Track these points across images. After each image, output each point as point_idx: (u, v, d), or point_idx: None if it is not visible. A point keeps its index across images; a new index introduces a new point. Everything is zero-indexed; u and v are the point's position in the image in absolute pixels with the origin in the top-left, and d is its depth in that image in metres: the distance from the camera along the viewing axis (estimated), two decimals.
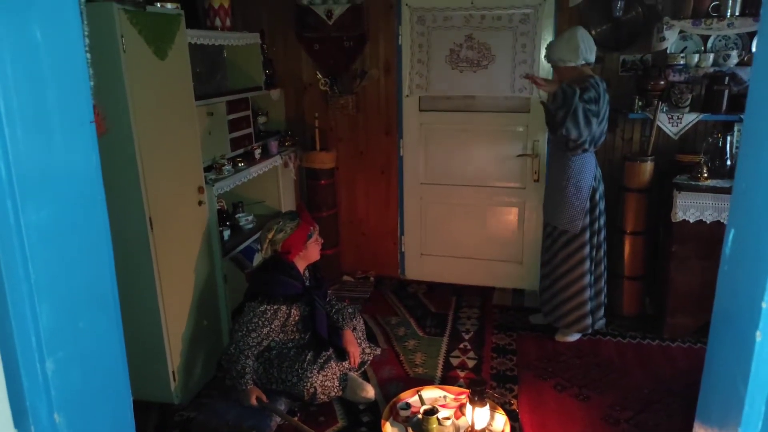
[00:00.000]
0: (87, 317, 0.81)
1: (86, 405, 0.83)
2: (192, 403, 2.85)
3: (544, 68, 3.77)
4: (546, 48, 3.23)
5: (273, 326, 2.75)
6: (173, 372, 2.73)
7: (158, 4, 2.63)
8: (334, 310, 3.05)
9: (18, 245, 0.68)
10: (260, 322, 2.70)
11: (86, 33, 0.86)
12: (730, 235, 0.66)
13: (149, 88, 2.48)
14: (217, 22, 3.32)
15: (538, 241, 4.04)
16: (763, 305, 0.52)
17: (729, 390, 0.60)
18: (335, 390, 2.78)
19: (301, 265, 2.90)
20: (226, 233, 3.27)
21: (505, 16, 3.75)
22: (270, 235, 2.82)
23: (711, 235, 3.21)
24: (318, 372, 2.72)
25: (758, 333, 0.52)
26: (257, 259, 3.45)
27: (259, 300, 2.73)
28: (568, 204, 3.18)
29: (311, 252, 2.92)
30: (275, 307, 2.74)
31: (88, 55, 0.84)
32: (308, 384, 2.68)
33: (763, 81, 0.60)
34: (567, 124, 2.93)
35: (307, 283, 2.93)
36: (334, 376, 2.79)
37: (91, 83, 0.86)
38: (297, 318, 2.85)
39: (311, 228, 2.90)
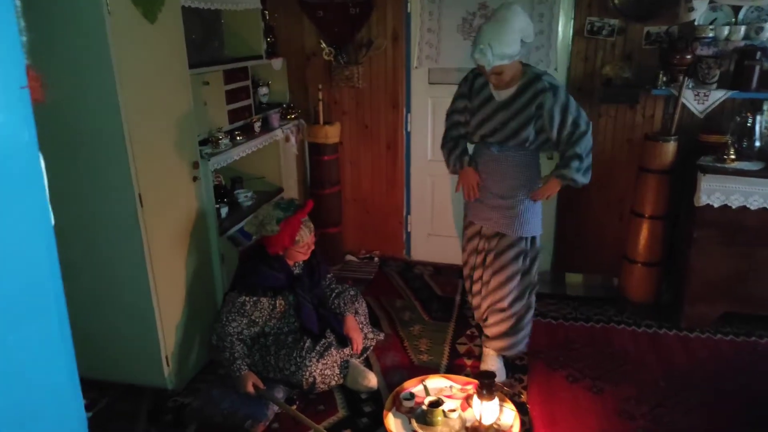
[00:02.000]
0: (20, 330, 0.64)
1: (27, 427, 0.67)
2: (186, 388, 2.73)
3: (563, 40, 3.54)
4: (480, 46, 2.34)
5: (254, 317, 2.63)
6: (166, 357, 2.60)
7: None
8: (334, 293, 2.90)
9: None
10: (240, 312, 2.59)
11: None
12: None
13: (137, 53, 2.29)
14: None
15: (550, 221, 3.87)
16: None
17: None
18: (335, 378, 2.65)
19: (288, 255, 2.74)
20: (224, 210, 3.11)
21: None
22: (257, 222, 2.67)
23: (737, 220, 3.03)
24: (317, 360, 2.58)
25: None
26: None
27: (238, 290, 2.61)
28: (535, 205, 2.70)
29: (294, 254, 2.73)
30: (254, 299, 2.61)
31: (18, 3, 0.66)
32: (307, 373, 2.54)
33: None
34: (586, 163, 2.62)
35: (297, 271, 2.77)
36: (335, 364, 2.65)
37: (23, 38, 0.68)
38: (283, 308, 2.71)
39: (298, 233, 2.66)
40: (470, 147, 2.79)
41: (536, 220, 2.70)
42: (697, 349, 3.08)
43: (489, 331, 2.83)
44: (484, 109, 2.59)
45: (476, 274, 2.85)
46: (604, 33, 3.44)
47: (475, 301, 2.92)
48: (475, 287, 2.88)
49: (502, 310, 2.75)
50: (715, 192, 3.02)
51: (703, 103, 3.30)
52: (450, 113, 2.76)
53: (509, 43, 2.35)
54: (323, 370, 2.60)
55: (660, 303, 3.45)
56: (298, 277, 2.75)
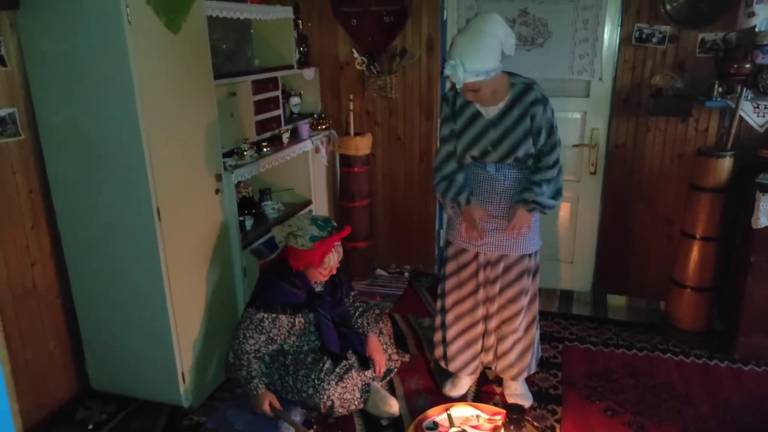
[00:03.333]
0: None
1: None
2: (203, 406, 2.66)
3: (609, 48, 3.34)
4: (451, 62, 2.12)
5: (272, 334, 2.53)
6: (182, 373, 2.54)
7: None
8: (357, 312, 2.78)
9: None
10: (258, 329, 2.49)
11: None
12: None
13: (159, 64, 2.25)
14: None
15: (592, 238, 3.66)
16: None
17: None
18: (356, 403, 2.53)
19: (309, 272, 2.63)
20: (249, 222, 3.04)
21: None
22: (287, 231, 2.57)
23: None
24: (336, 383, 2.47)
25: None
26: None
27: (256, 306, 2.52)
28: (536, 219, 2.49)
29: (314, 274, 2.61)
30: (273, 315, 2.51)
31: None
32: (325, 396, 2.43)
33: None
34: (557, 187, 2.40)
35: (319, 288, 2.66)
36: (355, 388, 2.53)
37: None
38: (303, 326, 2.61)
39: (327, 256, 2.54)
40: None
41: (536, 234, 2.52)
42: (752, 384, 2.81)
43: (505, 361, 2.64)
44: (471, 129, 2.36)
45: (482, 312, 2.61)
46: (654, 41, 3.22)
47: (488, 342, 2.68)
48: (490, 325, 2.63)
49: (514, 331, 2.57)
50: None
51: (763, 117, 3.04)
52: (440, 145, 2.50)
53: (485, 58, 2.11)
54: (342, 393, 2.48)
55: (711, 332, 3.19)
56: (319, 294, 2.64)
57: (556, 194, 2.39)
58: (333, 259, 2.58)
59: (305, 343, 2.61)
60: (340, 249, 2.63)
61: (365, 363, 2.63)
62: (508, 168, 2.39)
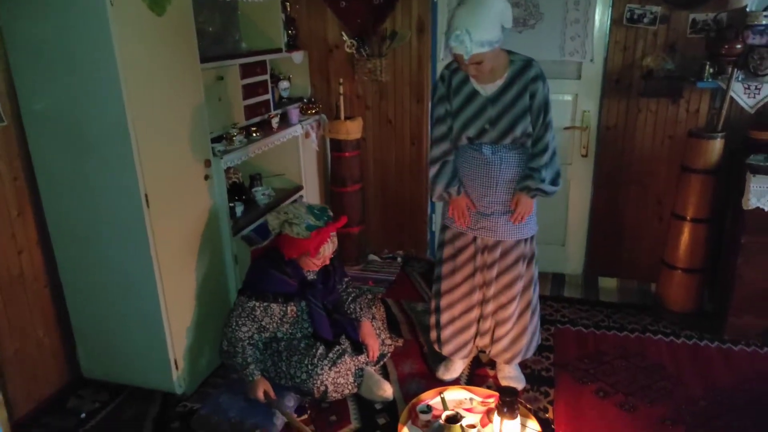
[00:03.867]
0: None
1: None
2: (196, 393, 2.66)
3: (600, 29, 3.31)
4: (456, 32, 2.07)
5: (264, 323, 2.50)
6: (175, 360, 2.53)
7: None
8: (350, 298, 2.77)
9: None
10: (250, 317, 2.47)
11: None
12: None
13: (143, 47, 2.20)
14: None
15: (583, 221, 3.67)
16: None
17: None
18: (349, 387, 2.53)
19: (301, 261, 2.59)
20: (239, 209, 3.02)
21: None
22: (282, 219, 2.52)
23: None
24: (330, 368, 2.46)
25: None
26: (272, 237, 3.19)
27: (248, 294, 2.48)
28: (534, 204, 2.49)
29: (307, 263, 2.57)
30: (265, 304, 2.49)
31: None
32: (318, 381, 2.43)
33: None
34: (555, 170, 2.41)
35: (311, 276, 2.63)
36: (348, 372, 2.53)
37: None
38: (295, 315, 2.58)
39: (323, 246, 2.51)
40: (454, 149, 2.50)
41: (533, 219, 2.51)
42: (742, 364, 2.84)
43: (499, 345, 2.66)
44: (468, 108, 2.32)
45: (478, 296, 2.61)
46: (646, 21, 3.20)
47: (484, 326, 2.68)
48: (486, 309, 2.63)
49: (510, 316, 2.58)
50: (766, 194, 2.77)
51: (754, 97, 3.03)
52: (432, 126, 2.47)
53: (489, 28, 2.08)
54: (336, 378, 2.48)
55: (701, 312, 3.21)
56: (311, 283, 2.62)
57: (556, 178, 2.39)
58: (328, 249, 2.55)
59: (298, 330, 2.60)
60: (335, 239, 2.60)
61: (358, 348, 2.62)
62: (505, 151, 2.37)
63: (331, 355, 2.51)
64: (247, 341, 2.45)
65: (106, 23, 2.01)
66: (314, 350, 2.51)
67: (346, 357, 2.54)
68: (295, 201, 2.67)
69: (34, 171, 2.38)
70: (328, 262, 2.63)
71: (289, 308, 2.55)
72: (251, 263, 2.64)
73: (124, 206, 2.27)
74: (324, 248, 2.52)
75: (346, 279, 2.85)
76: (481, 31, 2.06)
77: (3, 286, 2.33)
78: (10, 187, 2.32)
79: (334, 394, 2.48)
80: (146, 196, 2.26)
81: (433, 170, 2.48)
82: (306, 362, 2.47)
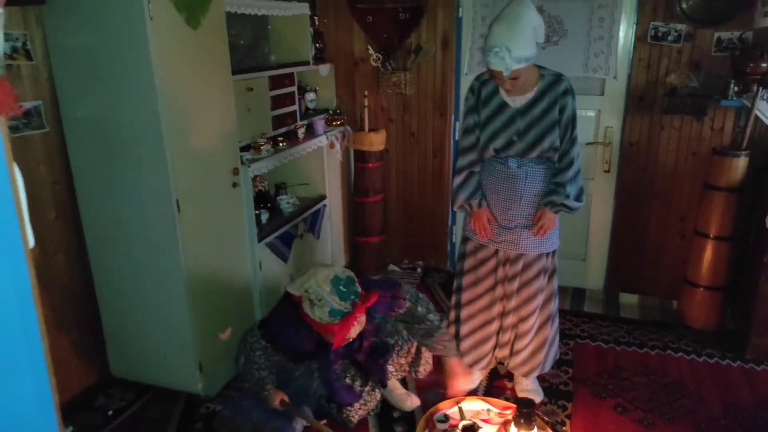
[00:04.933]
0: None
1: None
2: (219, 395, 2.72)
3: (624, 46, 3.34)
4: (496, 50, 2.13)
5: (277, 358, 2.40)
6: (199, 363, 2.59)
7: None
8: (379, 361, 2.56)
9: None
10: (264, 350, 2.34)
11: None
12: None
13: (179, 59, 2.29)
14: None
15: (604, 236, 3.67)
16: None
17: None
18: (373, 410, 2.54)
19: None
20: (264, 216, 3.09)
21: None
22: (304, 295, 2.26)
23: None
24: (359, 406, 2.47)
25: None
26: (296, 246, 3.26)
27: (263, 334, 2.33)
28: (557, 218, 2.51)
29: (329, 337, 2.29)
30: (280, 355, 2.37)
31: None
32: (344, 415, 2.44)
33: None
34: (579, 186, 2.43)
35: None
36: (373, 402, 2.51)
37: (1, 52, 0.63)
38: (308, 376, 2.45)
39: (348, 333, 2.24)
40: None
41: (555, 234, 2.53)
42: (765, 384, 2.81)
43: (518, 357, 2.67)
44: (497, 119, 2.36)
45: (498, 309, 2.62)
46: (670, 39, 3.21)
47: (503, 338, 2.69)
48: (506, 321, 2.64)
49: (530, 329, 2.59)
50: None
51: None
52: (461, 136, 2.51)
53: (526, 45, 2.14)
54: (359, 408, 2.49)
55: (723, 331, 3.18)
56: (330, 347, 2.35)
57: (580, 194, 2.42)
58: (354, 332, 2.30)
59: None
60: (363, 318, 2.31)
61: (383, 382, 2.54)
62: (530, 165, 2.40)
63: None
64: (263, 367, 2.33)
65: (145, 36, 2.11)
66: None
67: (376, 391, 2.50)
68: (318, 270, 2.26)
69: (72, 176, 2.48)
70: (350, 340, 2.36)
71: (301, 366, 2.45)
72: (280, 302, 2.44)
73: (156, 211, 2.35)
74: (350, 333, 2.27)
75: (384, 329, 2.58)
76: (519, 48, 2.12)
77: (40, 287, 2.42)
78: (49, 191, 2.43)
79: (356, 418, 2.50)
80: (177, 201, 2.34)
81: (457, 180, 2.52)
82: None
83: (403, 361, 2.59)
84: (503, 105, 2.36)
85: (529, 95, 2.32)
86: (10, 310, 0.62)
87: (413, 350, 2.62)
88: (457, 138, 2.55)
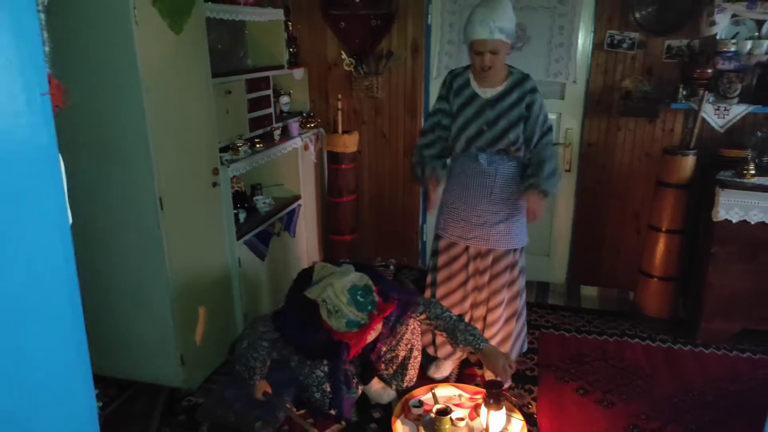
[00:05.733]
0: (34, 325, 0.70)
1: (38, 420, 0.72)
2: (200, 388, 2.80)
3: (583, 52, 3.55)
4: (480, 18, 2.34)
5: (284, 353, 2.49)
6: (181, 356, 2.67)
7: None
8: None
9: None
10: (272, 341, 2.39)
11: None
12: None
13: (162, 63, 2.38)
14: None
15: (567, 232, 3.87)
16: None
17: None
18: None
19: None
20: (242, 215, 3.17)
21: None
22: (322, 304, 2.27)
23: (755, 236, 3.00)
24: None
25: None
26: (273, 244, 3.36)
27: (277, 327, 2.37)
28: (524, 215, 2.68)
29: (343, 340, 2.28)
30: (291, 348, 2.42)
31: (42, 15, 0.73)
32: (329, 405, 2.54)
33: None
34: (555, 164, 2.61)
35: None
36: (356, 395, 2.63)
37: (46, 49, 0.74)
38: (315, 376, 2.50)
39: (364, 345, 2.28)
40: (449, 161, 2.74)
41: (524, 231, 2.71)
42: (713, 365, 3.04)
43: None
44: (468, 108, 2.54)
45: (470, 302, 2.78)
46: (624, 46, 3.44)
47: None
48: (477, 312, 2.80)
49: (498, 319, 2.75)
50: (733, 207, 2.99)
51: (723, 118, 3.28)
52: (426, 120, 2.69)
53: (507, 20, 2.37)
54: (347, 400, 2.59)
55: (676, 318, 3.42)
56: (342, 348, 2.32)
57: (558, 179, 2.58)
58: (370, 338, 2.36)
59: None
60: (380, 326, 2.35)
61: (365, 379, 2.62)
62: (500, 162, 2.57)
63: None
64: (259, 359, 2.38)
65: (132, 40, 2.19)
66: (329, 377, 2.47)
67: (360, 387, 2.61)
68: (335, 279, 2.26)
69: None
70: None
71: (309, 364, 2.48)
72: (294, 286, 2.45)
73: (139, 208, 2.43)
74: (367, 339, 2.31)
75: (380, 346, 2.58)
76: (502, 20, 2.35)
77: None
78: None
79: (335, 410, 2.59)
80: (161, 199, 2.43)
81: (417, 155, 2.69)
82: (323, 386, 2.50)
83: (389, 356, 2.64)
84: (474, 96, 2.54)
85: (499, 88, 2.51)
86: (59, 267, 0.73)
87: (401, 356, 2.66)
88: None
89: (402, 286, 2.59)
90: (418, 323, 2.62)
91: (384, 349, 2.57)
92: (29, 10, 0.62)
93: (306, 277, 2.44)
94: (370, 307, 2.23)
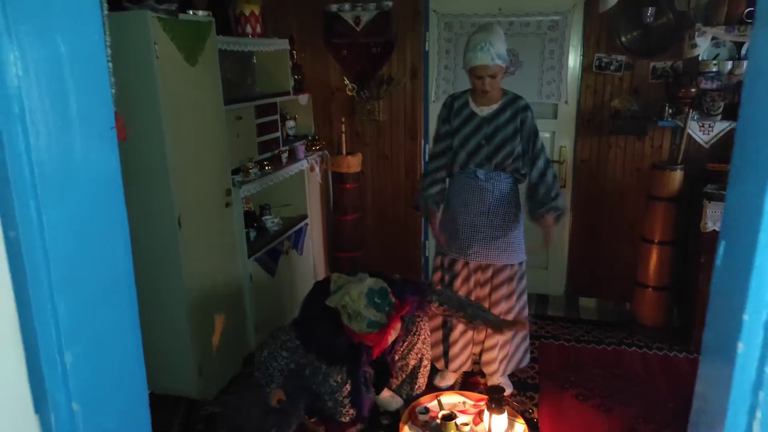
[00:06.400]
0: (104, 314, 0.85)
1: (103, 396, 0.88)
2: (217, 398, 2.92)
3: (573, 75, 3.74)
4: (481, 45, 2.54)
5: (302, 361, 2.61)
6: (199, 367, 2.80)
7: (190, 12, 2.71)
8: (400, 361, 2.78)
9: (39, 242, 0.72)
10: (291, 350, 2.54)
11: (108, 44, 0.91)
12: (722, 248, 0.67)
13: (180, 92, 2.56)
14: (248, 29, 3.39)
15: (564, 246, 4.01)
16: (745, 317, 0.52)
17: (715, 396, 0.60)
18: None
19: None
20: (252, 234, 3.33)
21: (534, 23, 3.74)
22: (342, 309, 2.42)
23: None
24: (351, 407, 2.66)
25: (740, 344, 0.52)
26: (282, 261, 3.51)
27: (297, 335, 2.51)
28: (520, 231, 2.86)
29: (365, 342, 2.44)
30: (312, 356, 2.56)
31: (110, 64, 0.89)
32: (341, 412, 2.65)
33: (758, 84, 0.60)
34: (555, 182, 2.79)
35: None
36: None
37: (113, 91, 0.90)
38: (336, 381, 2.59)
39: (387, 343, 2.41)
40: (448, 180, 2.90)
41: (521, 247, 2.86)
42: None
43: (489, 355, 2.94)
44: (466, 127, 2.75)
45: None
46: (612, 68, 3.63)
47: (478, 337, 2.97)
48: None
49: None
50: (720, 219, 3.14)
51: (708, 134, 3.45)
52: (433, 143, 2.88)
53: (502, 47, 2.59)
54: (351, 409, 2.68)
55: (671, 327, 3.54)
56: (362, 350, 2.47)
57: (560, 193, 2.76)
58: (391, 338, 2.49)
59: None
60: (399, 325, 2.48)
61: (378, 386, 2.75)
62: (498, 178, 2.74)
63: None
64: (278, 368, 2.53)
65: (153, 72, 2.38)
66: (343, 390, 2.60)
67: (371, 395, 2.70)
68: (351, 287, 2.43)
69: None
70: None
71: (330, 370, 2.57)
72: (312, 302, 2.57)
73: (159, 226, 2.59)
74: (387, 340, 2.45)
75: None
76: (498, 45, 2.57)
77: None
78: None
79: (347, 418, 2.69)
80: (179, 218, 2.59)
81: (424, 183, 2.87)
82: (336, 394, 2.61)
83: (399, 364, 2.76)
84: (472, 114, 2.75)
85: (495, 106, 2.72)
86: (121, 278, 0.89)
87: (411, 364, 2.78)
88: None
89: (415, 284, 2.71)
90: (429, 333, 2.80)
91: (399, 355, 2.70)
92: (102, 64, 0.80)
93: (321, 288, 2.61)
94: (387, 308, 2.39)
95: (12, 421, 0.77)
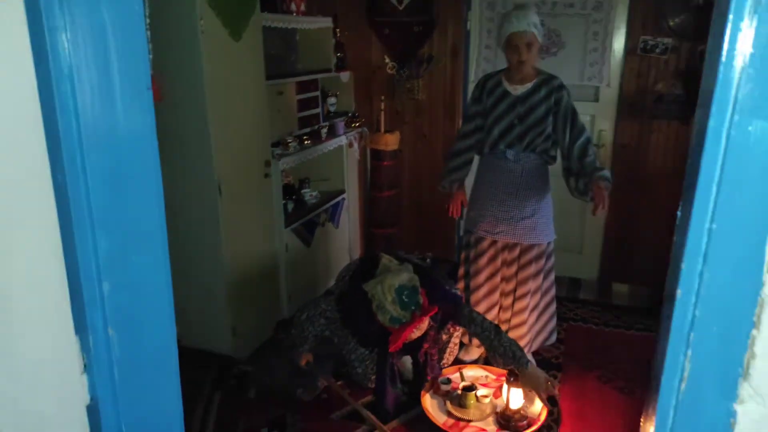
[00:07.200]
0: (138, 253, 0.98)
1: (135, 326, 1.00)
2: (249, 358, 3.09)
3: (616, 57, 3.69)
4: (516, 13, 2.64)
5: (338, 333, 2.72)
6: (233, 328, 2.97)
7: None
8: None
9: (83, 186, 0.84)
10: (329, 320, 2.66)
11: (147, 14, 1.01)
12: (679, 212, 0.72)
13: (223, 66, 2.69)
14: (293, 7, 3.49)
15: (599, 230, 3.99)
16: (683, 266, 0.58)
17: (663, 337, 0.66)
18: None
19: None
20: (290, 206, 3.47)
21: (578, 3, 3.69)
22: (375, 292, 2.48)
23: None
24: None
25: (678, 291, 0.58)
26: (318, 233, 3.64)
27: (339, 309, 2.62)
28: (549, 211, 2.88)
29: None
30: (347, 330, 2.68)
31: (148, 33, 0.99)
32: (369, 380, 2.77)
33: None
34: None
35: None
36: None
37: (150, 56, 1.01)
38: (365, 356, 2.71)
39: (405, 341, 2.44)
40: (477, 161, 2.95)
41: (550, 227, 2.86)
42: None
43: (513, 334, 2.94)
44: (500, 106, 2.77)
45: (498, 292, 2.95)
46: (658, 51, 3.56)
47: (504, 316, 3.00)
48: (506, 301, 2.96)
49: (524, 308, 2.91)
50: None
51: None
52: (463, 122, 2.93)
53: (537, 19, 2.64)
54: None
55: None
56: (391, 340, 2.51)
57: (605, 169, 2.78)
58: (414, 335, 2.53)
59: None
60: (425, 324, 2.52)
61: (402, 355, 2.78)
62: (527, 160, 2.76)
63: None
64: (313, 333, 2.66)
65: (198, 46, 2.51)
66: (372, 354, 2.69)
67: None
68: (387, 276, 2.50)
69: None
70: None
71: (354, 343, 2.68)
72: (357, 281, 2.62)
73: (201, 192, 2.75)
74: (409, 338, 2.50)
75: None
76: (533, 16, 2.64)
77: None
78: None
79: (371, 384, 2.80)
80: (219, 185, 2.74)
81: (452, 163, 2.92)
82: (366, 362, 2.73)
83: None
84: (505, 93, 2.77)
85: (529, 85, 2.73)
86: (157, 241, 1.01)
87: (442, 339, 2.81)
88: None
89: (454, 297, 2.70)
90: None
91: (432, 351, 2.73)
92: (141, 33, 0.91)
93: (368, 263, 2.72)
94: (413, 308, 2.42)
95: (56, 340, 0.90)
